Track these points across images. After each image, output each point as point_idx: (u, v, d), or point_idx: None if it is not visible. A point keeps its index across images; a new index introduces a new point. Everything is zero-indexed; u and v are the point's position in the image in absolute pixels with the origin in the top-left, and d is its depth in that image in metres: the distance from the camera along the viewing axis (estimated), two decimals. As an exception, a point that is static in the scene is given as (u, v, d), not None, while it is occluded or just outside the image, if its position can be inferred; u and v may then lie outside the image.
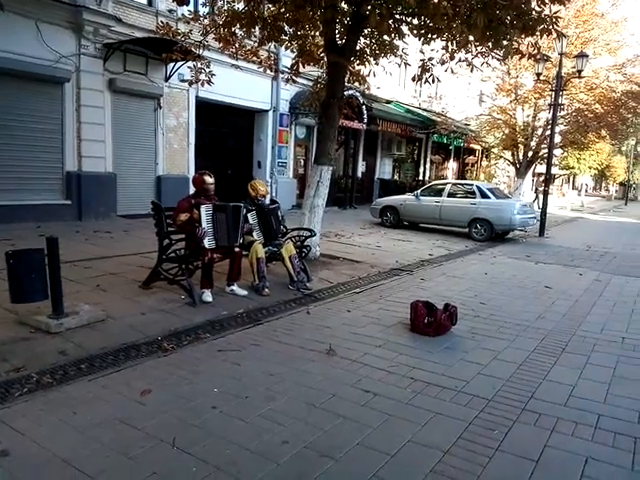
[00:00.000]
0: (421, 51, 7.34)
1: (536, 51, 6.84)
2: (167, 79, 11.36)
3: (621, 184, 45.43)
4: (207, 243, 5.01)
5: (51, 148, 9.66)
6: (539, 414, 3.05)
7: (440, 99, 21.13)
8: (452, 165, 26.04)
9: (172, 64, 10.66)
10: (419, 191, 13.06)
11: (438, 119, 20.08)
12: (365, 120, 15.59)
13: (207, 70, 8.17)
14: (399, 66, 8.46)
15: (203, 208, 4.99)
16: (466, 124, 21.33)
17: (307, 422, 2.83)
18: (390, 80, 15.36)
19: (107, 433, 2.64)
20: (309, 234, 6.76)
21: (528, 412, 3.08)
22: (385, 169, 20.64)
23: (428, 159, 23.30)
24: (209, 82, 8.16)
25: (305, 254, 6.65)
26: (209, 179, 5.25)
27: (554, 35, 6.46)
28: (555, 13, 6.05)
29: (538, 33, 6.05)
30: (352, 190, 17.46)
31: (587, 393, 3.39)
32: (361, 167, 18.69)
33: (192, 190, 5.62)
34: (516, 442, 2.73)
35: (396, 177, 21.36)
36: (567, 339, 4.55)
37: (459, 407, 3.12)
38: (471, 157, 27.40)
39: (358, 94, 14.42)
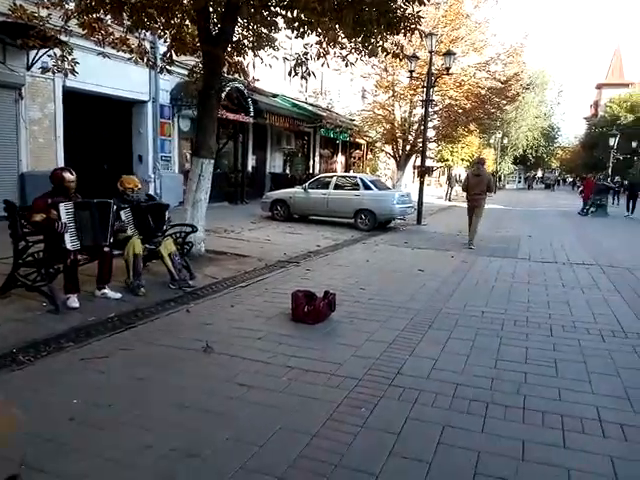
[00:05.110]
0: (291, 43, 7.38)
1: (399, 50, 7.20)
2: (29, 67, 10.22)
3: (490, 174, 49.96)
4: (70, 244, 4.60)
5: None
6: (403, 388, 3.26)
7: (325, 94, 21.61)
8: (340, 159, 26.86)
9: (35, 51, 9.66)
10: (307, 184, 13.26)
11: (324, 113, 20.54)
12: (252, 113, 15.44)
13: (70, 58, 7.54)
14: (277, 59, 8.47)
15: (62, 206, 4.56)
16: (351, 119, 22.06)
17: (174, 423, 2.73)
18: (276, 74, 15.36)
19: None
20: (190, 230, 6.54)
21: (394, 387, 3.27)
22: (276, 163, 20.67)
23: (317, 153, 23.77)
24: (72, 71, 7.54)
25: (187, 250, 6.42)
26: (69, 176, 4.80)
27: (418, 34, 6.88)
28: (417, 12, 6.44)
29: (402, 31, 6.40)
30: (243, 185, 17.22)
31: (448, 365, 3.68)
32: (251, 161, 18.51)
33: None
34: (381, 417, 2.88)
35: (287, 171, 21.53)
36: (433, 316, 4.92)
37: (331, 389, 3.21)
38: (357, 151, 28.47)
39: (242, 86, 14.24)
